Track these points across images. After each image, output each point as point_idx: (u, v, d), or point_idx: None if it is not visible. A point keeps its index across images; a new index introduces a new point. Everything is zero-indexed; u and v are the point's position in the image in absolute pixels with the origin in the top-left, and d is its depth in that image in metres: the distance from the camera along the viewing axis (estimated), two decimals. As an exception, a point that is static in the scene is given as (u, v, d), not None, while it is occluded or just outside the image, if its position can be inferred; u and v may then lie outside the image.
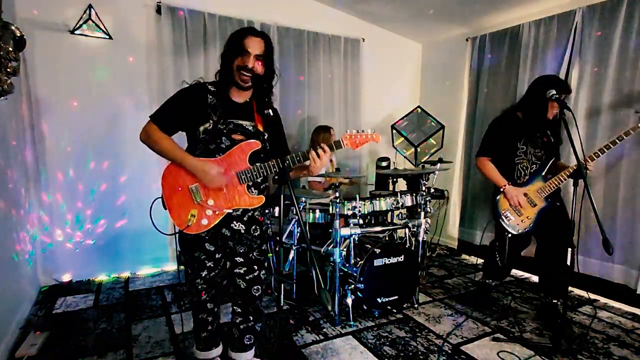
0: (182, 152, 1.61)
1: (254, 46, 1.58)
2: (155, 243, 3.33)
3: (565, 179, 2.33)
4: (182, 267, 3.44)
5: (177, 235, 1.69)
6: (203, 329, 1.87)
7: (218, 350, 1.95)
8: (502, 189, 2.46)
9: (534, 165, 2.48)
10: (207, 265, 1.73)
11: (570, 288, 3.00)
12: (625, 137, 2.19)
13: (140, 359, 2.08)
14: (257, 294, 1.82)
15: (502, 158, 2.53)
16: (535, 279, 3.33)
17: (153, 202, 1.65)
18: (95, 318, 2.55)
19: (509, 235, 2.47)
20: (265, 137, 1.72)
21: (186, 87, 1.65)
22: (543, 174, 2.43)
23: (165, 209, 1.64)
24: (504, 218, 2.46)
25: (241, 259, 1.75)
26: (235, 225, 1.71)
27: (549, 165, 2.45)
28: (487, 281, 2.80)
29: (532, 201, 2.41)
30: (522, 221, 2.43)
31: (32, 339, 2.17)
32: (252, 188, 1.69)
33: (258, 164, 1.63)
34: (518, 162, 2.49)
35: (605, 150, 2.22)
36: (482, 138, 2.65)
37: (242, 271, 1.76)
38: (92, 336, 2.31)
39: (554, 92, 2.16)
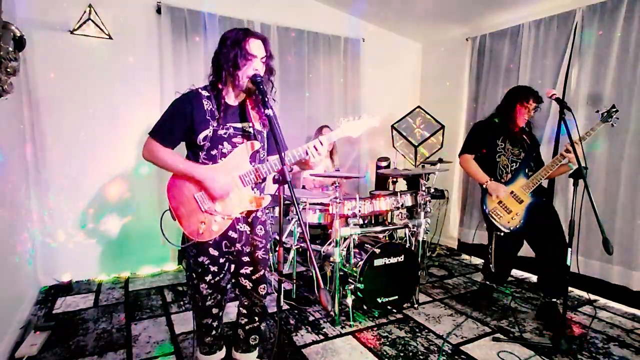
0: (188, 163, 1.60)
1: (258, 49, 1.57)
2: (156, 243, 3.33)
3: (549, 172, 2.41)
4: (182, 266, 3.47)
5: (182, 241, 1.70)
6: (207, 334, 1.86)
7: (221, 354, 1.94)
8: (484, 185, 2.53)
9: (514, 164, 2.55)
10: (212, 270, 1.72)
11: (570, 288, 3.00)
12: (592, 133, 2.31)
13: (140, 358, 2.08)
14: (263, 293, 1.82)
15: (483, 156, 2.62)
16: (535, 279, 3.33)
17: (163, 215, 1.64)
18: (95, 318, 2.55)
19: (501, 234, 2.49)
20: (265, 136, 1.73)
21: (180, 97, 1.61)
22: (525, 171, 2.51)
23: (175, 219, 1.62)
24: (493, 216, 2.49)
25: (247, 259, 1.75)
26: (241, 227, 1.72)
27: (529, 163, 2.55)
28: (487, 282, 2.80)
29: (518, 198, 2.47)
30: (512, 218, 2.47)
31: (32, 339, 2.17)
32: (255, 189, 1.70)
33: (259, 165, 1.63)
34: (499, 160, 2.58)
35: (579, 143, 2.26)
36: (465, 139, 2.78)
37: (248, 271, 1.76)
38: (92, 336, 2.31)
39: (554, 92, 2.22)
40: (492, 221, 2.50)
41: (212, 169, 1.59)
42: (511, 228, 2.46)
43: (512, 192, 2.49)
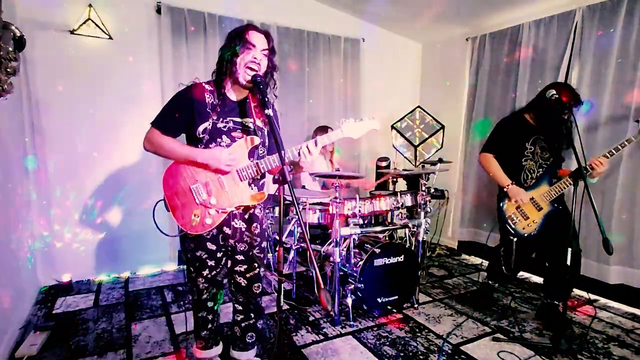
0: (189, 147, 1.62)
1: (259, 40, 1.58)
2: (155, 243, 3.33)
3: (571, 183, 2.31)
4: (183, 266, 3.47)
5: (179, 234, 1.70)
6: (203, 328, 1.87)
7: (218, 349, 1.95)
8: (505, 188, 2.44)
9: (540, 169, 2.46)
10: (209, 264, 1.73)
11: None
12: (627, 144, 2.20)
13: (140, 359, 2.08)
14: (257, 291, 1.84)
15: (509, 158, 2.51)
16: (535, 279, 3.33)
17: (156, 205, 1.64)
18: (95, 318, 2.55)
19: (515, 239, 2.45)
20: (265, 132, 1.73)
21: (183, 89, 1.64)
22: (549, 177, 2.42)
23: (169, 210, 1.64)
24: (510, 222, 2.44)
25: (242, 257, 1.76)
26: (236, 224, 1.73)
27: (555, 170, 2.45)
28: (489, 282, 2.80)
29: (538, 205, 2.40)
30: (528, 225, 2.41)
31: (32, 339, 2.17)
32: (252, 185, 1.70)
33: (258, 160, 1.64)
34: (525, 164, 2.47)
35: (610, 155, 2.21)
36: (489, 135, 2.63)
37: (242, 269, 1.78)
38: (92, 336, 2.31)
39: (554, 91, 2.18)
40: (508, 226, 2.44)
41: (212, 149, 1.59)
42: (526, 235, 2.41)
43: (531, 199, 2.41)
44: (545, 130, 2.44)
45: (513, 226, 2.43)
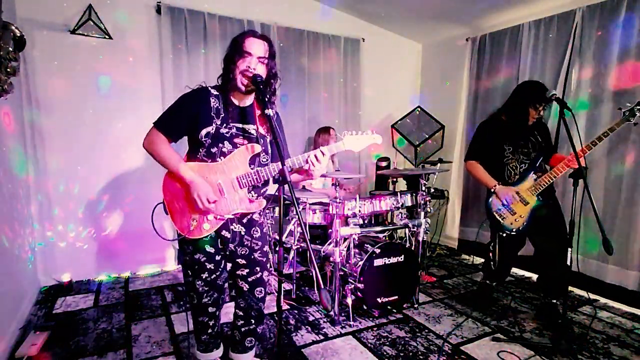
0: (182, 164, 1.59)
1: (256, 48, 1.57)
2: (155, 243, 3.31)
3: (557, 176, 2.33)
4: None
5: (177, 237, 1.69)
6: (204, 332, 1.86)
7: (219, 352, 1.94)
8: (492, 190, 2.48)
9: (523, 164, 2.50)
10: (207, 267, 1.72)
11: (570, 288, 3.00)
12: (610, 133, 2.19)
13: (140, 359, 2.08)
14: (260, 296, 1.82)
15: (491, 160, 2.56)
16: (535, 278, 3.33)
17: (154, 208, 1.64)
18: (95, 318, 2.55)
19: (504, 235, 2.47)
20: (268, 140, 1.72)
21: (189, 92, 1.63)
22: (533, 172, 2.44)
23: (167, 214, 1.63)
24: (498, 218, 2.46)
25: (243, 261, 1.75)
26: (235, 228, 1.72)
27: (538, 163, 2.46)
28: (487, 282, 2.80)
29: (524, 199, 2.42)
30: (515, 220, 2.43)
31: (32, 339, 2.17)
32: (253, 192, 1.69)
33: (258, 168, 1.62)
34: (507, 162, 2.53)
35: (592, 146, 2.21)
36: (471, 142, 2.70)
37: (244, 273, 1.76)
38: (92, 336, 2.31)
39: (554, 92, 2.19)
40: (496, 222, 2.46)
41: (203, 181, 1.57)
42: (514, 230, 2.44)
43: (517, 193, 2.43)
44: (519, 130, 2.48)
45: (501, 222, 2.45)
